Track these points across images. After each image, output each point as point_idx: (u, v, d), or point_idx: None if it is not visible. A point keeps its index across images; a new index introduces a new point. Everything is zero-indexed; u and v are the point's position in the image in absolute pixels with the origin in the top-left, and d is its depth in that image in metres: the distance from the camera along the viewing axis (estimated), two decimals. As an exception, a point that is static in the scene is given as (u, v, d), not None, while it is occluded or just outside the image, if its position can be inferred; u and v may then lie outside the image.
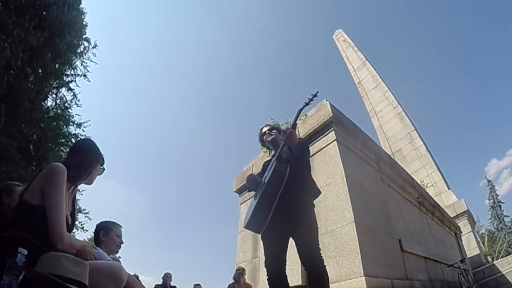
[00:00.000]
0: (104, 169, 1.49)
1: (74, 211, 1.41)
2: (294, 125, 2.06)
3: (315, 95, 2.08)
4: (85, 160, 1.39)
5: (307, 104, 2.09)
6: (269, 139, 2.26)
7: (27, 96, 4.58)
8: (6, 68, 4.19)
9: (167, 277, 6.01)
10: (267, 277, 1.95)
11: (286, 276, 1.94)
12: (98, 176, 1.50)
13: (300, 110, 2.09)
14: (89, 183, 1.45)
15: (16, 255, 0.91)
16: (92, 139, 1.52)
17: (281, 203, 1.89)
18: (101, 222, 1.95)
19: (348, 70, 19.51)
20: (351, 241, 3.10)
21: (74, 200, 1.43)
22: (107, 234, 1.88)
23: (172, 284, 6.03)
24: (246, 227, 2.06)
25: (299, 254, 1.89)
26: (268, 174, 1.98)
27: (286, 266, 1.97)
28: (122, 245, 1.96)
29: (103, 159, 1.48)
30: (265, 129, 2.33)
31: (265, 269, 1.97)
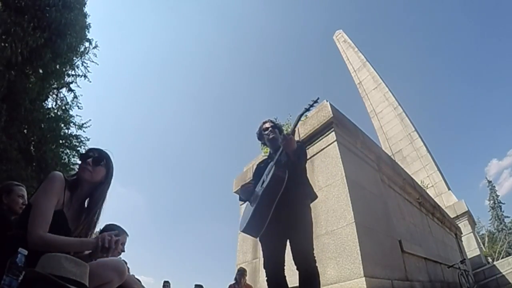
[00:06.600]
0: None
1: (80, 224, 1.31)
2: (293, 131, 2.05)
3: (315, 101, 2.05)
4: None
5: (307, 110, 2.05)
6: (270, 137, 2.22)
7: (28, 97, 4.59)
8: (7, 67, 4.19)
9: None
10: (266, 278, 1.96)
11: (285, 277, 1.94)
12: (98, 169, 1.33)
13: (300, 116, 2.06)
14: (87, 177, 1.31)
15: (16, 255, 0.92)
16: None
17: (279, 207, 1.89)
18: (109, 225, 1.90)
19: (349, 71, 19.53)
20: (351, 241, 3.09)
21: (81, 211, 1.34)
22: None
23: (172, 285, 6.00)
24: (244, 231, 2.05)
25: (293, 253, 1.88)
26: (267, 179, 1.96)
27: (285, 267, 1.97)
28: (122, 252, 2.02)
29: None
30: (267, 125, 2.27)
31: (264, 270, 1.97)
